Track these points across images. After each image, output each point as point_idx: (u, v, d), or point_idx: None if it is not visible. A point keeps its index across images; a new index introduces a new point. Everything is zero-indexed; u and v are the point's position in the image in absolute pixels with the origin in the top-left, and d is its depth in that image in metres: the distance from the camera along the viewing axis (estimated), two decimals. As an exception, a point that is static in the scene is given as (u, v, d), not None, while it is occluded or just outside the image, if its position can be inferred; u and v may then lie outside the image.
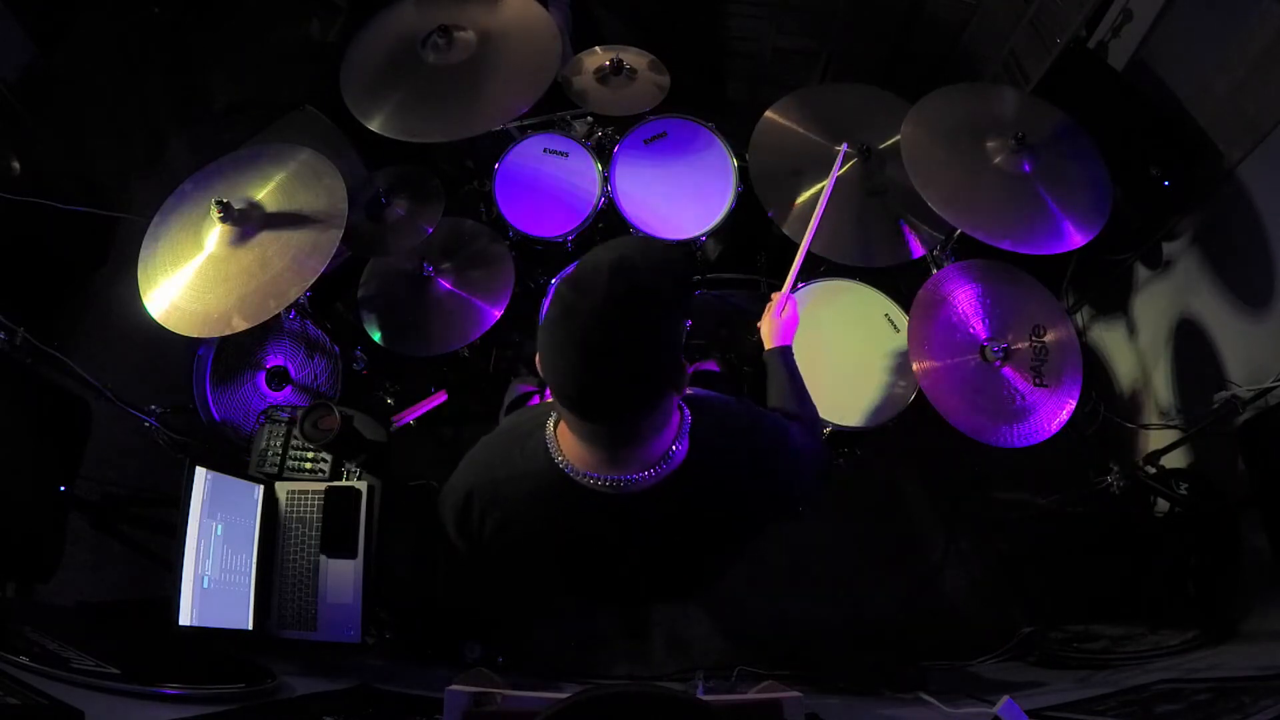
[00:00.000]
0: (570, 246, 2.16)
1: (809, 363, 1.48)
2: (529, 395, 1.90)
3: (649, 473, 0.96)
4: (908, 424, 1.95)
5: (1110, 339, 2.53)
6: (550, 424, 1.02)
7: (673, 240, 2.12)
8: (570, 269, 0.93)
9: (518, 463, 1.04)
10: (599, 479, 0.97)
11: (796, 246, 1.74)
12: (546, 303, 2.10)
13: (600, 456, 0.96)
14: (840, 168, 1.94)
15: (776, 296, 1.57)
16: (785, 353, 1.45)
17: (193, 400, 2.05)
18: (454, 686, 1.21)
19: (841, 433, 1.94)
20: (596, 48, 2.34)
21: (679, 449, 0.98)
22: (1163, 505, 2.12)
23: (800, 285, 2.06)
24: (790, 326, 1.51)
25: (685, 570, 1.19)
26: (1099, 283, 2.48)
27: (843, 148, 1.98)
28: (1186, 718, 1.36)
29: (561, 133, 2.25)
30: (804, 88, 2.23)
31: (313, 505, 1.80)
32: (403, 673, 2.01)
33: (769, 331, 1.50)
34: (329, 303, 2.35)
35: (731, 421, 1.11)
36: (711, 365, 2.08)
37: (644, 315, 0.87)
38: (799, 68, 2.91)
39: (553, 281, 2.14)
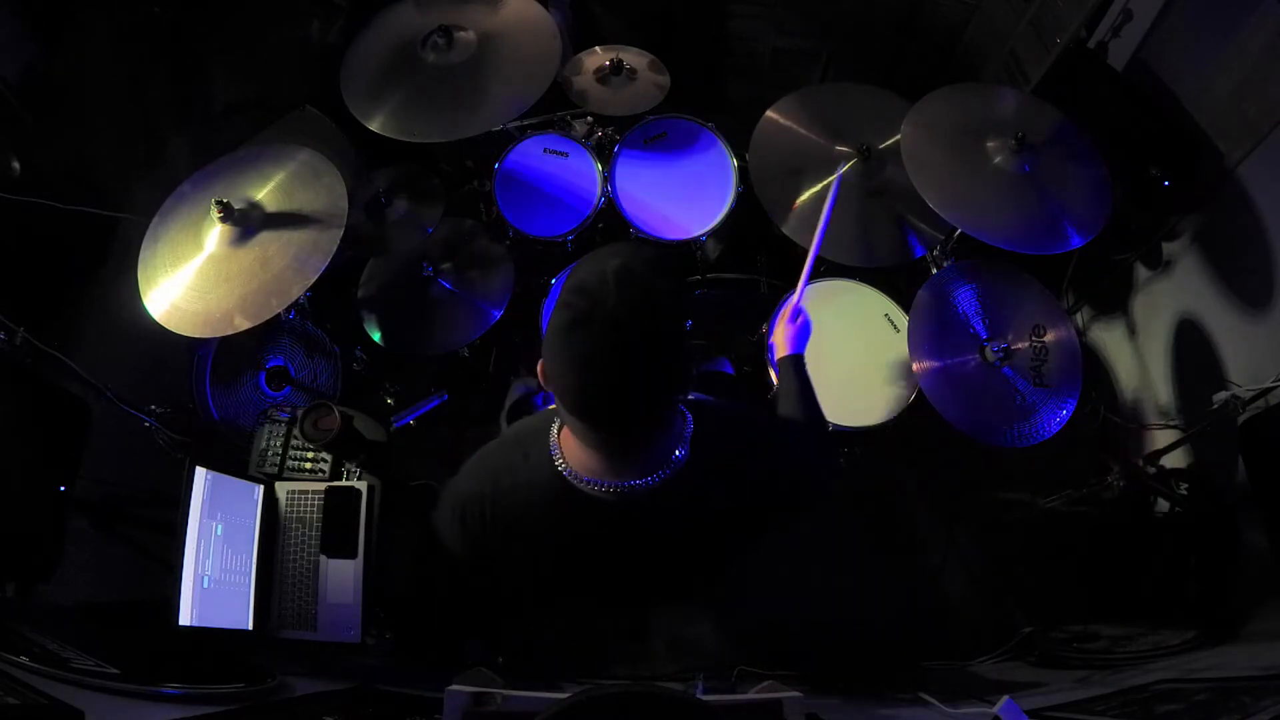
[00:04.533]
0: (570, 246, 2.16)
1: (809, 363, 1.48)
2: (529, 395, 1.90)
3: (650, 478, 0.97)
4: (908, 424, 1.95)
5: (1110, 339, 2.52)
6: (554, 430, 1.02)
7: (673, 240, 2.12)
8: (569, 275, 0.92)
9: (520, 469, 1.05)
10: (601, 485, 0.97)
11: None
12: (549, 308, 2.10)
13: (604, 463, 0.96)
14: (837, 190, 1.89)
15: (790, 304, 1.56)
16: (797, 361, 1.44)
17: (193, 400, 2.05)
18: (454, 686, 1.21)
19: (841, 433, 1.94)
20: (596, 48, 2.34)
21: (680, 454, 0.98)
22: (1163, 505, 2.12)
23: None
24: (803, 334, 1.50)
25: (684, 571, 1.19)
26: (1099, 283, 2.48)
27: (837, 173, 1.94)
28: (1186, 718, 1.36)
29: (561, 133, 2.25)
30: (804, 88, 2.23)
31: (313, 505, 1.80)
32: (403, 673, 2.01)
33: (781, 339, 1.49)
34: (329, 302, 2.35)
35: (732, 427, 1.11)
36: (725, 366, 2.07)
37: (656, 321, 0.87)
38: (799, 68, 2.91)
39: (554, 282, 2.14)
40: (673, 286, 0.92)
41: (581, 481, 0.98)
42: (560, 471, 0.99)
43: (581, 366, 0.86)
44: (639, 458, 0.96)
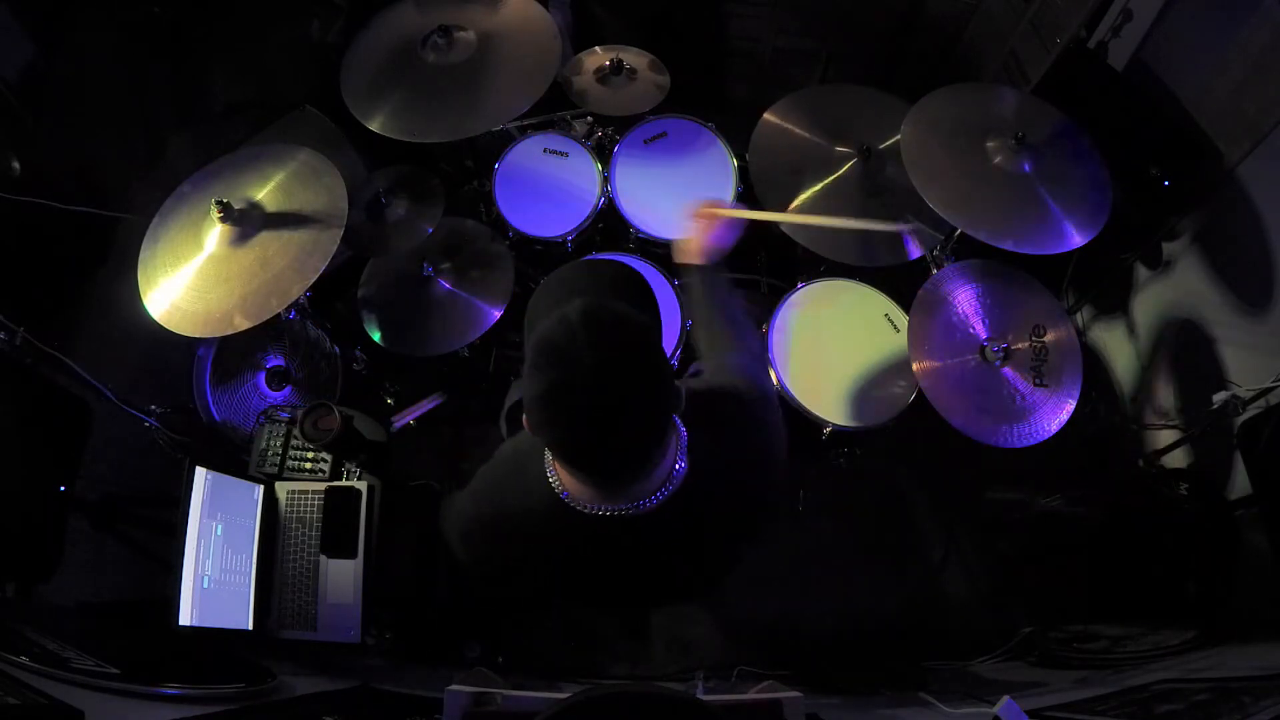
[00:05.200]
0: (570, 246, 2.16)
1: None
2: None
3: (651, 499, 0.94)
4: (908, 424, 1.95)
5: (1110, 339, 2.53)
6: (549, 454, 0.99)
7: (666, 239, 2.12)
8: (534, 321, 0.88)
9: (518, 488, 1.03)
10: (601, 509, 0.95)
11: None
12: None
13: (601, 493, 0.94)
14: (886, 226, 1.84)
15: (709, 210, 1.28)
16: (705, 273, 1.25)
17: (193, 400, 2.05)
18: (454, 686, 1.21)
19: (841, 433, 1.94)
20: (596, 48, 2.34)
21: (679, 468, 0.96)
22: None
23: (801, 285, 2.06)
24: (720, 243, 1.28)
25: (690, 577, 1.19)
26: (1099, 283, 2.48)
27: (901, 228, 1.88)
28: (1186, 718, 1.36)
29: (561, 133, 2.25)
30: (804, 88, 2.23)
31: (313, 505, 1.80)
32: (403, 673, 2.01)
33: (693, 245, 1.26)
34: (329, 303, 2.35)
35: (723, 419, 1.07)
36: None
37: (636, 366, 0.84)
38: (799, 68, 2.91)
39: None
40: (644, 319, 0.87)
41: (581, 506, 0.96)
42: (556, 493, 0.97)
43: (568, 430, 0.84)
44: (638, 488, 0.94)
